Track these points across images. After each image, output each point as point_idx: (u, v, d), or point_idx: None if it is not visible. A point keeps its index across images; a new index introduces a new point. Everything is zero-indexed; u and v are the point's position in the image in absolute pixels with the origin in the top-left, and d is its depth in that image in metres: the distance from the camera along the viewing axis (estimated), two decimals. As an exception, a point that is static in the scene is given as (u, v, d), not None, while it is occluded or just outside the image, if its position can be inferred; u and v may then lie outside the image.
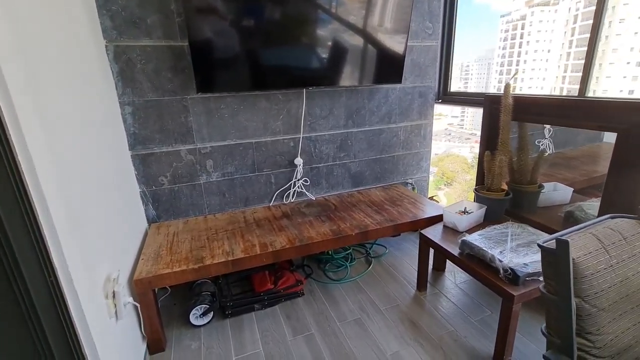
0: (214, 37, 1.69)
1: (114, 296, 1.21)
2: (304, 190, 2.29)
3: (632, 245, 0.96)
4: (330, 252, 2.26)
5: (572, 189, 2.06)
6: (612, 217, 1.06)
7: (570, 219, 1.84)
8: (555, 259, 0.86)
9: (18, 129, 0.79)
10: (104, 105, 1.52)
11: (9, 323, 0.85)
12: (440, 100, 2.53)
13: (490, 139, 2.03)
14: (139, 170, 1.89)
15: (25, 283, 0.84)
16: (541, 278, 1.35)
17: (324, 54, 1.95)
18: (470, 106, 2.34)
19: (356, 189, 2.46)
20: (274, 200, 2.24)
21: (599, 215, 1.56)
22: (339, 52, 1.97)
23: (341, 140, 2.31)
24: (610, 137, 2.23)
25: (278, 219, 2.02)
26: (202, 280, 1.82)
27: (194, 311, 1.68)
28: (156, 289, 1.61)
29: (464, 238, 1.59)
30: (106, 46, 1.67)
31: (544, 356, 0.90)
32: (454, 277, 2.05)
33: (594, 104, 1.51)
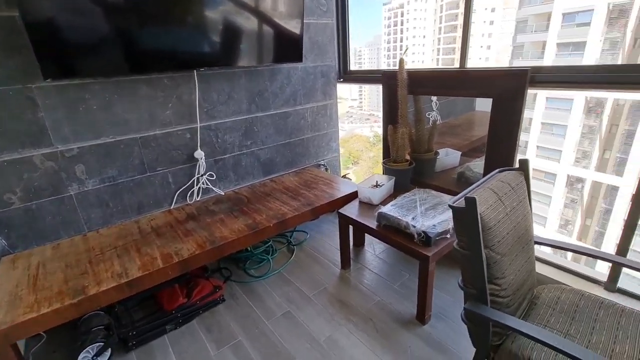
0: (63, 12, 1.30)
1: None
2: (210, 186, 2.04)
3: (518, 193, 1.08)
4: (249, 248, 2.10)
5: (460, 153, 2.33)
6: (500, 171, 1.18)
7: (462, 179, 2.08)
8: (465, 216, 0.89)
9: None
10: None
11: None
12: (341, 79, 2.55)
13: (391, 113, 2.12)
14: (-32, 188, 1.39)
15: None
16: (449, 236, 1.47)
17: (215, 32, 1.71)
18: (370, 83, 2.41)
19: (268, 177, 2.33)
20: (176, 202, 1.94)
21: (484, 171, 1.77)
22: (231, 30, 1.76)
23: (246, 127, 2.13)
24: (480, 106, 2.58)
25: (182, 222, 1.75)
26: (90, 314, 1.46)
27: (83, 354, 1.33)
28: (24, 340, 1.22)
29: (379, 210, 1.63)
30: None
31: (465, 308, 0.95)
32: (374, 249, 2.13)
33: (473, 73, 1.68)
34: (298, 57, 2.10)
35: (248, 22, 1.80)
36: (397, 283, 1.82)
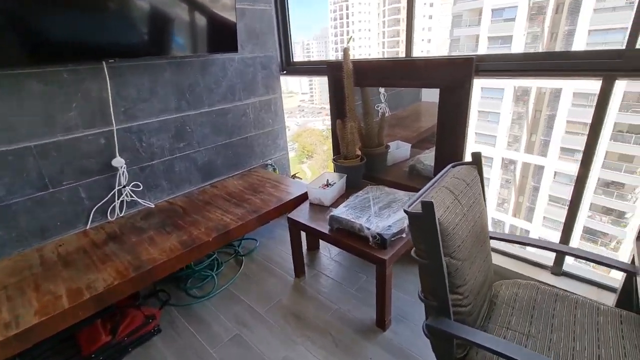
0: None
1: None
2: (137, 198, 1.76)
3: (473, 190, 1.01)
4: (191, 264, 1.85)
5: (410, 145, 2.29)
6: (453, 166, 1.10)
7: (414, 172, 2.03)
8: (423, 222, 0.78)
9: None
10: None
11: None
12: (285, 72, 2.37)
13: (338, 107, 2.00)
14: None
15: None
16: (405, 235, 1.39)
17: (126, 15, 1.43)
18: (315, 75, 2.26)
19: (208, 183, 2.08)
20: (93, 221, 1.63)
21: (435, 163, 1.73)
22: (148, 13, 1.48)
23: (176, 127, 1.86)
24: (426, 96, 2.58)
25: (100, 245, 1.46)
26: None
27: None
28: None
29: (331, 213, 1.50)
30: None
31: (426, 325, 0.85)
32: (329, 252, 2.01)
33: (419, 62, 1.60)
34: (233, 47, 1.87)
35: (169, 4, 1.54)
36: (355, 287, 1.71)
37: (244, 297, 1.70)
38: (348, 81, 1.80)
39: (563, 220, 1.41)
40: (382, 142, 2.06)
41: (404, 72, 1.67)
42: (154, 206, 1.80)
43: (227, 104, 2.07)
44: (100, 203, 1.63)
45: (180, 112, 1.85)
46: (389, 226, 1.37)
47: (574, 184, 1.34)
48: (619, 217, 11.77)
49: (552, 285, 1.09)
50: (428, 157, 2.02)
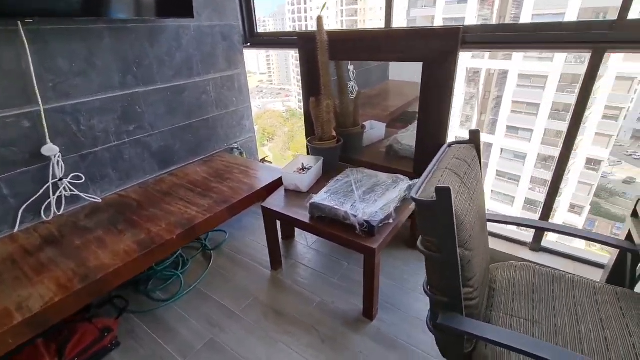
0: None
1: None
2: (78, 192, 1.47)
3: (475, 171, 0.93)
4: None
5: (385, 124, 2.20)
6: (449, 146, 1.01)
7: (391, 152, 1.95)
8: (436, 212, 0.68)
9: None
10: None
11: None
12: (248, 44, 2.12)
13: (311, 84, 1.83)
14: None
15: None
16: (392, 220, 1.30)
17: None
18: (283, 48, 2.05)
19: (167, 171, 1.83)
20: (22, 222, 1.34)
21: (417, 144, 1.65)
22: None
23: (123, 107, 1.58)
24: (394, 75, 2.49)
25: (34, 252, 1.20)
26: None
27: None
28: None
29: (312, 201, 1.37)
30: None
31: (437, 324, 0.77)
32: (306, 240, 1.89)
33: (401, 33, 1.48)
34: (187, 11, 1.60)
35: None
36: (337, 276, 1.62)
37: (216, 296, 1.53)
38: (322, 54, 1.63)
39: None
40: (357, 122, 1.94)
41: (384, 44, 1.54)
42: (100, 200, 1.53)
43: (184, 80, 1.81)
44: (31, 200, 1.34)
45: (126, 88, 1.57)
46: (376, 212, 1.27)
47: (555, 164, 1.33)
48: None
49: (547, 266, 1.08)
50: (406, 137, 1.94)
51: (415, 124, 2.13)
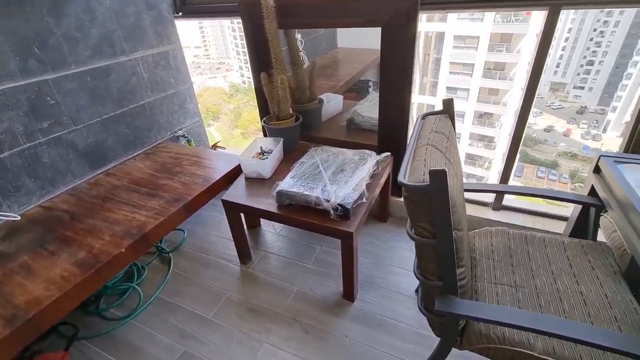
0: None
1: None
2: (-13, 211, 1.19)
3: (452, 143, 0.88)
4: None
5: (342, 96, 2.10)
6: (422, 118, 0.95)
7: (352, 126, 1.87)
8: (431, 196, 0.62)
9: None
10: None
11: None
12: (180, 13, 1.83)
13: (260, 56, 1.64)
14: None
15: None
16: (365, 200, 1.24)
17: None
18: (224, 17, 1.80)
19: (101, 171, 1.57)
20: None
21: (380, 115, 1.58)
22: None
23: (30, 100, 1.27)
24: (342, 42, 2.37)
25: None
26: None
27: None
28: None
29: (279, 188, 1.25)
30: None
31: (435, 310, 0.73)
32: (273, 228, 1.79)
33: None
34: (95, -27, 1.30)
35: None
36: (311, 261, 1.56)
37: (183, 303, 1.39)
38: (270, 22, 1.44)
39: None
40: (314, 96, 1.81)
41: (338, 8, 1.40)
42: (19, 218, 1.25)
43: (106, 60, 1.51)
44: None
45: (30, 76, 1.25)
46: (349, 194, 1.20)
47: (515, 121, 1.35)
48: (489, 142, 14.31)
49: (517, 225, 1.11)
50: (364, 108, 1.87)
51: (372, 95, 2.06)
